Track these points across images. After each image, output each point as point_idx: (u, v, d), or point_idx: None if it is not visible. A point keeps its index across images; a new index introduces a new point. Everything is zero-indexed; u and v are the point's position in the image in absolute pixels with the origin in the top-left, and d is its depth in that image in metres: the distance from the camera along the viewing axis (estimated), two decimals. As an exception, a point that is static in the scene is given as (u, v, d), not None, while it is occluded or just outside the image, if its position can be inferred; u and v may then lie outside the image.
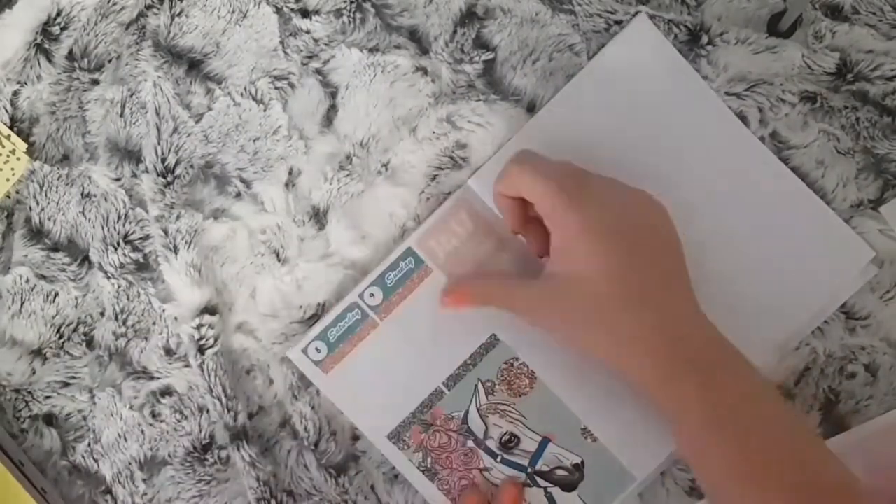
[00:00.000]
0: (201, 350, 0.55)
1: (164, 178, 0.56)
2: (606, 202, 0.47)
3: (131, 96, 0.57)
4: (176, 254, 0.55)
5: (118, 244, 0.57)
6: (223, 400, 0.55)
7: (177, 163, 0.57)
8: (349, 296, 0.54)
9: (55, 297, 0.57)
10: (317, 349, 0.54)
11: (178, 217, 0.56)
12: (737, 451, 0.43)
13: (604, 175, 0.49)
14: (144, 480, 0.56)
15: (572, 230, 0.46)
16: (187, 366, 0.56)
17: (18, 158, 0.57)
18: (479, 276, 0.54)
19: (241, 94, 0.57)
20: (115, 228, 0.57)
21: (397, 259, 0.54)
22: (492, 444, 0.53)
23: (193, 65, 0.57)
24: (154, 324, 0.57)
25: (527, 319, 0.50)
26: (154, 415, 0.57)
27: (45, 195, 0.58)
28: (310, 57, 0.57)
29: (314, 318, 0.56)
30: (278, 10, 0.57)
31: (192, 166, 0.57)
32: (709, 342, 0.46)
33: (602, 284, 0.46)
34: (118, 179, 0.57)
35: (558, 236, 0.48)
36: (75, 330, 0.57)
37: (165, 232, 0.56)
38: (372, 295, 0.54)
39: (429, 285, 0.54)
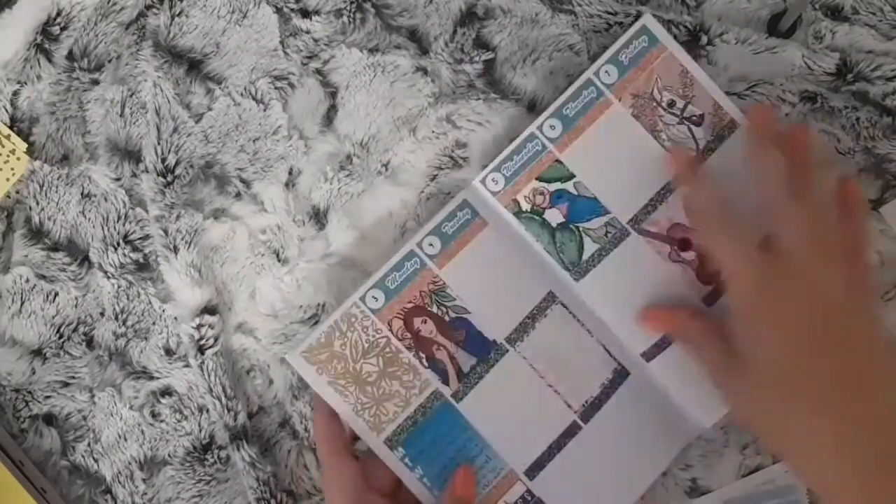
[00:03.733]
0: (201, 350, 0.55)
1: (164, 178, 0.56)
2: (802, 302, 0.45)
3: (131, 96, 0.57)
4: (176, 254, 0.55)
5: (118, 244, 0.57)
6: (223, 400, 0.55)
7: (177, 163, 0.57)
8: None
9: (55, 297, 0.57)
10: None
11: (178, 217, 0.56)
12: None
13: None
14: (144, 480, 0.56)
15: (763, 332, 0.46)
16: (187, 366, 0.56)
17: (18, 158, 0.57)
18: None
19: (241, 94, 0.57)
20: (115, 228, 0.57)
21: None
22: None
23: (193, 65, 0.57)
24: (154, 324, 0.57)
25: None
26: (154, 415, 0.57)
27: (45, 195, 0.58)
28: (310, 57, 0.57)
29: (314, 318, 0.56)
30: (278, 10, 0.57)
31: (192, 166, 0.57)
32: None
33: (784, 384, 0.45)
34: (118, 179, 0.57)
35: (745, 327, 0.47)
36: (75, 330, 0.57)
37: (165, 232, 0.56)
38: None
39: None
